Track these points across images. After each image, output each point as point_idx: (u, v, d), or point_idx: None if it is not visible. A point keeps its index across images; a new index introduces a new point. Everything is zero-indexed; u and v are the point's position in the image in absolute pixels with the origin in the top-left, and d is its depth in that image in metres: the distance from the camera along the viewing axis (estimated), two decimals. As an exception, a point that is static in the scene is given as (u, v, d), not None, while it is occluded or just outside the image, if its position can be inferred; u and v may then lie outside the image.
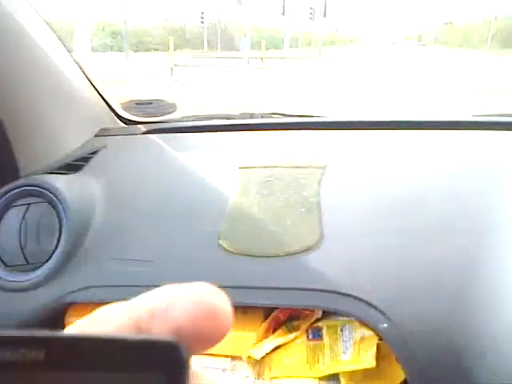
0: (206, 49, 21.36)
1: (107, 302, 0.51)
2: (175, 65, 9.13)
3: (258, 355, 0.50)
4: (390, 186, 0.62)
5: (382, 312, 0.49)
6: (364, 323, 0.51)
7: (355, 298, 0.51)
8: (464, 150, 0.70)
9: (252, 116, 0.98)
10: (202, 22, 21.79)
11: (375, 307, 0.50)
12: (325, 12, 22.96)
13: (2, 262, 0.60)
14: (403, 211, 0.58)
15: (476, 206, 0.57)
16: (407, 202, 0.59)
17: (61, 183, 0.61)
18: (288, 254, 0.55)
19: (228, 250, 0.56)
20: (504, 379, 0.45)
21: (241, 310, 0.57)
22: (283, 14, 19.80)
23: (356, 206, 0.59)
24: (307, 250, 0.55)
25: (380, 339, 0.51)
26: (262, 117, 0.95)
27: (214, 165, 0.69)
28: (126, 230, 0.60)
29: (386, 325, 0.49)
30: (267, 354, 0.52)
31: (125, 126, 0.91)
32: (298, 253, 0.54)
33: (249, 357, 0.51)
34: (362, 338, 0.53)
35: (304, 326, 0.55)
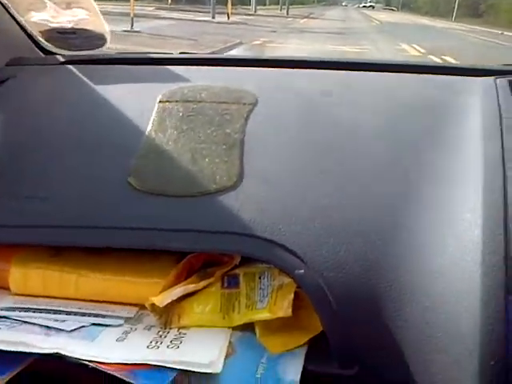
0: (170, 0, 20.40)
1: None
2: (135, 15, 8.69)
3: (161, 302, 0.45)
4: (321, 127, 0.57)
5: (298, 257, 0.45)
6: (281, 269, 0.47)
7: (271, 241, 0.46)
8: (398, 92, 0.66)
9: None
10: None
11: (292, 252, 0.46)
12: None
13: None
14: (332, 154, 0.53)
15: (413, 153, 0.53)
16: (338, 144, 0.54)
17: None
18: (203, 194, 0.49)
19: (137, 189, 0.50)
20: (420, 332, 0.42)
21: (150, 256, 0.52)
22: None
23: (282, 147, 0.54)
24: (224, 190, 0.49)
25: (298, 287, 0.47)
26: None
27: (133, 98, 0.62)
28: (25, 163, 0.53)
29: (302, 271, 0.45)
30: (176, 302, 0.48)
31: (45, 54, 0.82)
32: (213, 193, 0.49)
33: (153, 305, 0.46)
34: (280, 286, 0.49)
35: (219, 273, 0.50)
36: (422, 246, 0.44)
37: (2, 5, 0.78)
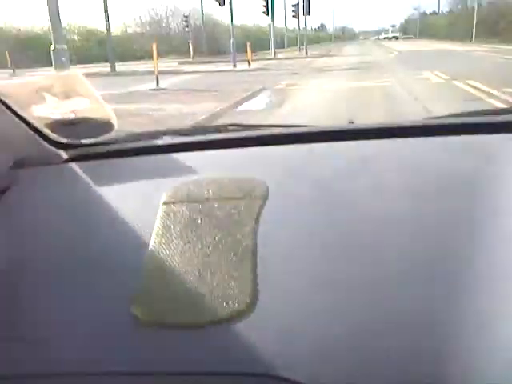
0: (192, 54, 21.05)
1: None
2: (159, 72, 8.94)
3: None
4: (342, 222, 0.49)
5: None
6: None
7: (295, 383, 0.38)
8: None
9: (205, 130, 0.87)
10: (187, 26, 21.40)
11: None
12: (308, 10, 22.85)
13: None
14: (363, 257, 0.45)
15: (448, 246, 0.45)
16: (365, 247, 0.46)
17: None
18: (213, 323, 0.42)
19: (141, 320, 0.43)
20: None
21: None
22: (267, 13, 19.58)
23: (301, 251, 0.46)
24: (237, 316, 0.42)
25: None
26: (215, 130, 0.83)
27: (137, 200, 0.56)
28: (15, 296, 0.47)
29: None
30: None
31: (50, 150, 0.79)
32: (224, 321, 0.42)
33: None
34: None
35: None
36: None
37: (3, 103, 0.75)
